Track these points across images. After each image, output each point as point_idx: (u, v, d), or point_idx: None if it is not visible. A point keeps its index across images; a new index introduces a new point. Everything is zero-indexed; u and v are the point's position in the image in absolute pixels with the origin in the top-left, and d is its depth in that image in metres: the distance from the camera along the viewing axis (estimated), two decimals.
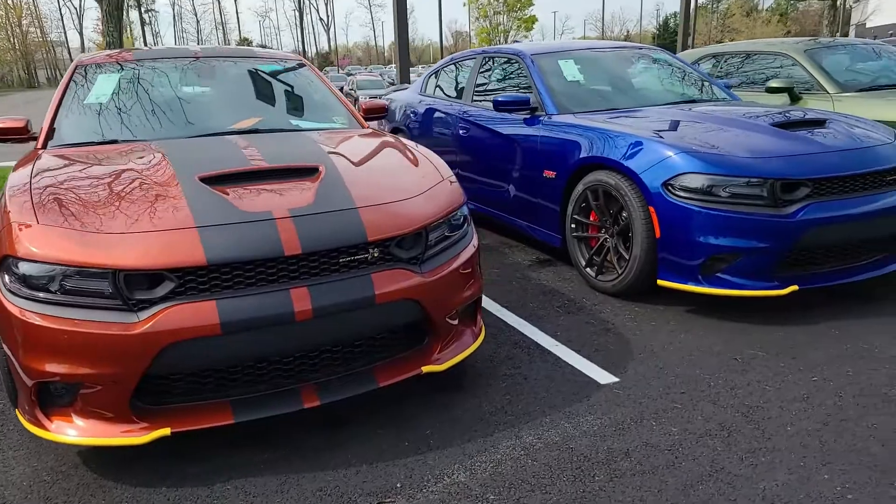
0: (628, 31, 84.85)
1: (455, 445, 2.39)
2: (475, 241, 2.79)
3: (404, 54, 9.15)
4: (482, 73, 5.31)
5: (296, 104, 3.77)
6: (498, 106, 4.42)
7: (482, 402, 2.68)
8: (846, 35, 41.30)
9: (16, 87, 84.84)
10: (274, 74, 3.87)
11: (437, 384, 2.81)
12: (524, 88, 4.71)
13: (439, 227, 2.59)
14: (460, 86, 5.58)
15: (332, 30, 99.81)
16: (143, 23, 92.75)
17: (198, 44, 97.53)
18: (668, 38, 52.00)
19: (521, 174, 4.52)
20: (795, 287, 3.32)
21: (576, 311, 3.61)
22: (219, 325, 2.04)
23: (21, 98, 40.60)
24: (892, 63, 5.92)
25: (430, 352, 2.58)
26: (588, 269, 3.95)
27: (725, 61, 6.55)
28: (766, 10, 67.79)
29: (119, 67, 3.55)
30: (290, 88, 3.86)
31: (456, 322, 2.68)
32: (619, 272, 3.70)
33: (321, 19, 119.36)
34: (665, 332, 3.31)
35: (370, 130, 3.58)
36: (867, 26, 39.37)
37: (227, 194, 2.30)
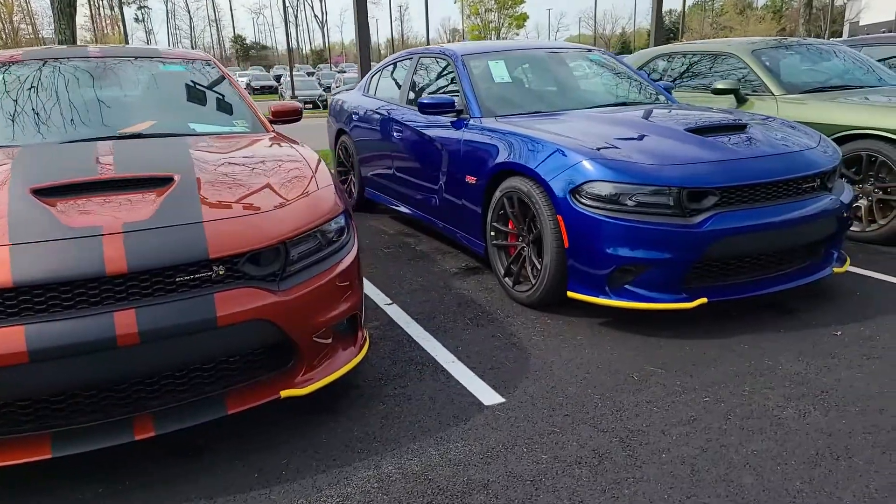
0: (623, 29, 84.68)
1: (307, 477, 2.24)
2: (354, 253, 2.64)
3: (364, 53, 8.99)
4: (417, 73, 5.15)
5: (196, 106, 3.62)
6: (423, 108, 4.27)
7: (354, 427, 2.54)
8: (837, 34, 41.21)
9: None
10: (176, 75, 3.71)
11: (315, 406, 2.67)
12: (454, 90, 4.56)
13: (305, 240, 2.44)
14: (397, 87, 5.43)
15: (325, 27, 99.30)
16: (135, 20, 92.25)
17: (191, 42, 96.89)
18: (663, 35, 52.05)
19: (447, 179, 4.37)
20: (704, 300, 3.18)
21: (486, 324, 3.47)
22: (26, 353, 1.89)
23: None
24: (845, 64, 5.79)
25: (294, 374, 2.44)
26: (506, 279, 3.81)
27: (677, 61, 6.40)
28: (761, 7, 67.60)
29: (5, 67, 3.40)
30: (191, 90, 3.71)
31: (328, 340, 2.54)
32: (533, 283, 3.56)
33: (315, 16, 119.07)
34: (570, 347, 3.17)
35: (269, 135, 3.43)
36: (860, 24, 39.25)
37: (55, 207, 2.15)
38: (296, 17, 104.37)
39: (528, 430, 2.47)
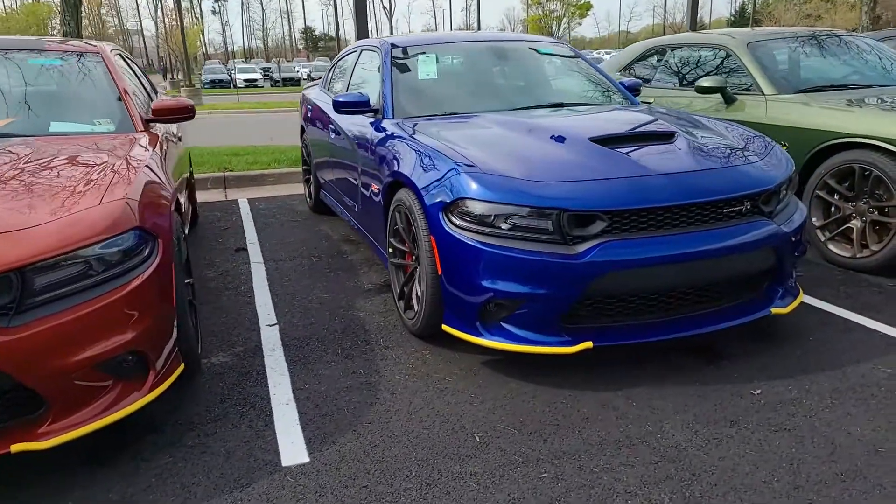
0: (701, 17, 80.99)
1: None
2: (146, 277, 2.27)
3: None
4: (358, 67, 4.74)
5: (62, 103, 3.35)
6: (337, 107, 3.87)
7: (116, 485, 2.18)
8: None
9: None
10: (48, 70, 3.44)
11: (96, 455, 2.33)
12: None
13: (60, 266, 2.09)
14: (343, 82, 5.04)
15: (393, 18, 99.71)
16: (212, 12, 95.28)
17: (263, 33, 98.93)
18: (744, 25, 49.15)
19: (361, 186, 3.97)
20: (589, 344, 2.66)
21: (356, 356, 3.05)
22: None
23: None
24: (861, 60, 5.01)
25: (40, 424, 2.09)
26: (400, 302, 3.38)
27: (669, 55, 5.74)
28: None
29: None
30: (64, 85, 3.43)
31: (102, 383, 2.19)
32: (416, 310, 3.12)
33: (384, 7, 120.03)
34: (430, 392, 2.71)
35: (123, 137, 3.11)
36: None
37: None
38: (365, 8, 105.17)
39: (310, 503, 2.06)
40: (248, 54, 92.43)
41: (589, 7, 47.47)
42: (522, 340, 2.70)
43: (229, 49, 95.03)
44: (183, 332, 2.57)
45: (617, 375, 2.79)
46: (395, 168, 3.24)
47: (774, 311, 2.93)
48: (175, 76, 42.11)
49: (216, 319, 3.53)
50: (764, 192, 2.81)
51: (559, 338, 2.68)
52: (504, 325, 2.73)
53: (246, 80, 39.59)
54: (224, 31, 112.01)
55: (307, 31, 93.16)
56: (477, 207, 2.68)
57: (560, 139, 3.00)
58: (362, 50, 4.76)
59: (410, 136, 3.30)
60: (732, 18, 64.03)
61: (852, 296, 3.62)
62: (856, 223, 4.04)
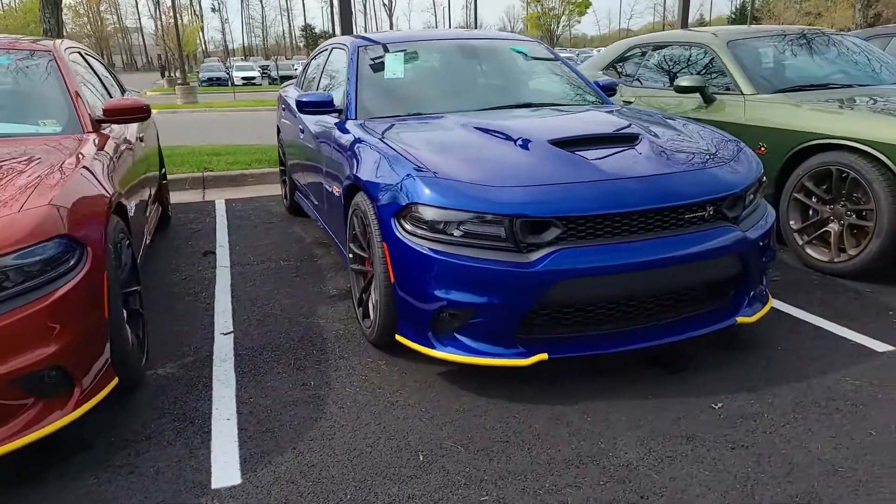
0: (702, 16, 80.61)
1: None
2: (69, 289, 2.16)
3: None
4: (328, 66, 4.63)
5: (6, 103, 3.23)
6: (301, 107, 3.75)
7: None
8: None
9: None
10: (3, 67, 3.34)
11: (18, 474, 2.22)
12: None
13: None
14: (314, 81, 4.92)
15: (393, 15, 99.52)
16: (212, 9, 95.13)
17: (262, 31, 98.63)
18: (744, 22, 48.82)
19: (325, 188, 3.86)
20: (544, 356, 2.55)
21: (309, 367, 2.94)
22: None
23: None
24: (845, 59, 4.89)
25: None
26: (359, 310, 3.27)
27: (651, 54, 5.62)
28: None
29: None
30: (10, 84, 3.32)
31: (9, 401, 2.08)
32: (372, 318, 3.01)
33: (384, 4, 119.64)
34: (380, 406, 2.61)
35: (66, 139, 3.00)
36: None
37: None
38: (364, 5, 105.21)
39: None
40: (247, 52, 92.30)
41: (588, 5, 47.21)
42: (475, 352, 2.59)
43: (229, 47, 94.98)
44: (118, 345, 2.46)
45: (576, 387, 2.69)
46: (353, 171, 3.13)
47: (740, 320, 2.82)
48: (172, 74, 41.97)
49: (170, 327, 3.42)
50: (728, 196, 2.70)
51: (513, 349, 2.57)
52: (457, 335, 2.63)
53: (244, 78, 39.42)
54: (224, 29, 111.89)
55: (307, 28, 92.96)
56: (428, 213, 2.57)
57: (519, 142, 2.89)
58: (333, 48, 4.65)
59: (369, 137, 3.19)
60: (733, 16, 63.71)
61: (827, 302, 3.51)
62: (833, 227, 3.93)
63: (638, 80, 5.59)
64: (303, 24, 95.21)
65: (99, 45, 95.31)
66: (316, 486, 2.13)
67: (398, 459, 2.26)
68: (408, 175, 2.68)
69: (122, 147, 3.51)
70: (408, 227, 2.63)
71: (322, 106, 3.72)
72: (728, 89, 4.67)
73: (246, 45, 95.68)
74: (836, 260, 3.89)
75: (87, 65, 4.16)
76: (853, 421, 2.40)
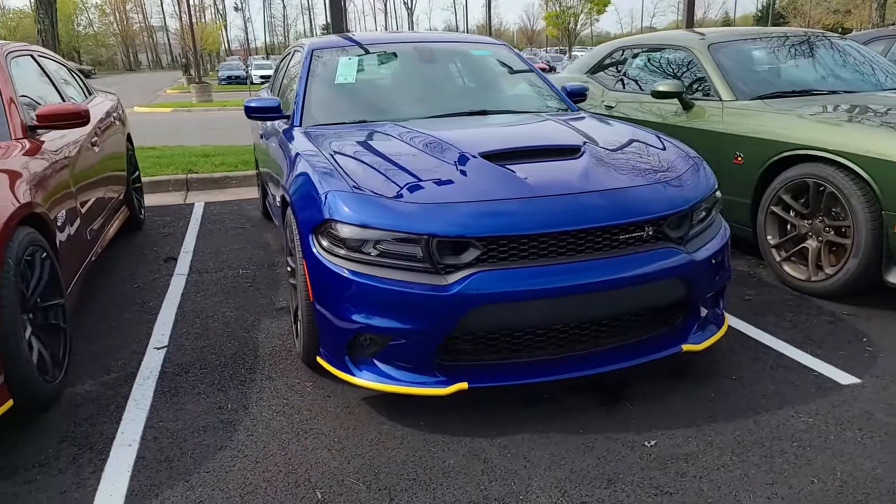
0: (725, 13, 79.01)
1: None
2: None
3: None
4: (289, 69, 4.49)
5: None
6: (248, 112, 3.63)
7: None
8: None
9: (121, 69, 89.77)
10: None
11: None
12: None
13: None
14: (278, 83, 4.79)
15: (412, 14, 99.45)
16: (235, 8, 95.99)
17: (284, 30, 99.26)
18: (770, 22, 47.66)
19: (274, 195, 3.73)
20: (464, 385, 2.38)
21: (231, 388, 2.80)
22: None
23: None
24: (837, 63, 4.63)
25: None
26: (294, 326, 3.11)
27: (635, 57, 5.40)
28: None
29: None
30: None
31: None
32: (300, 337, 2.86)
33: (404, 3, 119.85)
34: (292, 434, 2.45)
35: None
36: None
37: None
38: (385, 4, 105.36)
39: None
40: (269, 51, 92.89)
41: (606, 3, 46.55)
42: (392, 380, 2.43)
43: (252, 45, 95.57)
44: (14, 365, 2.34)
45: (503, 417, 2.51)
46: (285, 181, 2.99)
47: (687, 347, 2.62)
48: (192, 72, 42.26)
49: (106, 340, 3.30)
50: (670, 216, 2.50)
51: (432, 378, 2.41)
52: (376, 361, 2.47)
53: (262, 77, 39.64)
54: (246, 28, 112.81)
55: (328, 27, 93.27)
56: (344, 231, 2.41)
57: (452, 154, 2.71)
58: (294, 51, 4.51)
59: (305, 147, 3.04)
60: (759, 14, 62.49)
61: (797, 325, 3.29)
62: (812, 243, 3.70)
63: (620, 83, 5.38)
64: (324, 22, 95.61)
65: (125, 43, 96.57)
66: None
67: (292, 497, 2.10)
68: (329, 190, 2.52)
69: (61, 154, 3.39)
70: (325, 243, 2.48)
71: (268, 112, 3.59)
72: (708, 95, 4.45)
73: (268, 43, 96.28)
74: (813, 279, 3.66)
75: (38, 68, 4.07)
76: (796, 466, 2.20)
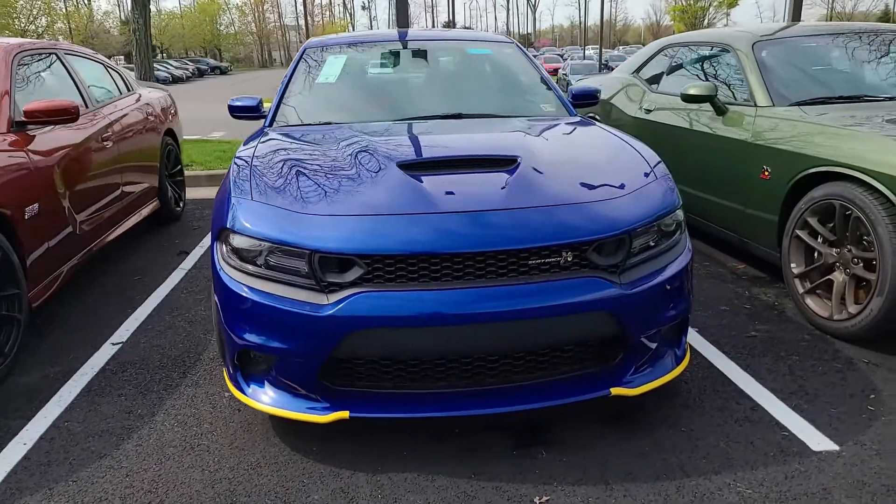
0: (886, 6, 71.44)
1: None
2: None
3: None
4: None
5: None
6: (231, 111, 3.61)
7: None
8: None
9: (256, 66, 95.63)
10: None
11: None
12: None
13: None
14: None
15: (535, 10, 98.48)
16: (362, 7, 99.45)
17: (406, 27, 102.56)
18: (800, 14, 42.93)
19: None
20: (345, 414, 2.19)
21: (153, 392, 2.77)
22: None
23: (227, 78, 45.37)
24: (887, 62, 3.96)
25: None
26: None
27: (679, 56, 4.90)
28: None
29: None
30: None
31: None
32: None
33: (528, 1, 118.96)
34: (178, 449, 2.37)
35: None
36: None
37: None
38: (507, 1, 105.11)
39: None
40: None
41: None
42: (275, 402, 2.27)
43: None
44: None
45: (400, 451, 2.29)
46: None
47: (616, 391, 2.27)
48: None
49: (73, 333, 3.39)
50: (592, 241, 2.17)
51: (313, 403, 2.23)
52: (266, 380, 2.33)
53: None
54: (371, 26, 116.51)
55: (449, 24, 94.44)
56: (235, 240, 2.29)
57: (372, 162, 2.51)
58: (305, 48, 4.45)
59: (245, 152, 2.91)
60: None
61: (796, 372, 2.80)
62: (838, 275, 3.16)
63: (660, 85, 4.91)
64: (445, 20, 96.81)
65: (260, 41, 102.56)
66: None
67: None
68: (233, 197, 2.41)
69: (47, 150, 3.50)
70: (223, 251, 2.37)
71: (247, 111, 3.55)
72: (746, 100, 3.94)
73: None
74: (835, 317, 3.12)
75: (61, 67, 4.24)
76: None
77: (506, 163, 2.47)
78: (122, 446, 2.39)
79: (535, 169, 2.43)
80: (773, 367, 2.84)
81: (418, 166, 2.44)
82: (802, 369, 2.83)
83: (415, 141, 2.87)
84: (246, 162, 2.69)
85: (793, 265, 3.38)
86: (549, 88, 3.66)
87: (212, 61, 63.20)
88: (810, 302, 3.28)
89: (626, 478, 2.13)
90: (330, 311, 2.08)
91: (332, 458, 2.28)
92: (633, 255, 2.26)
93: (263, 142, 2.98)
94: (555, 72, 29.04)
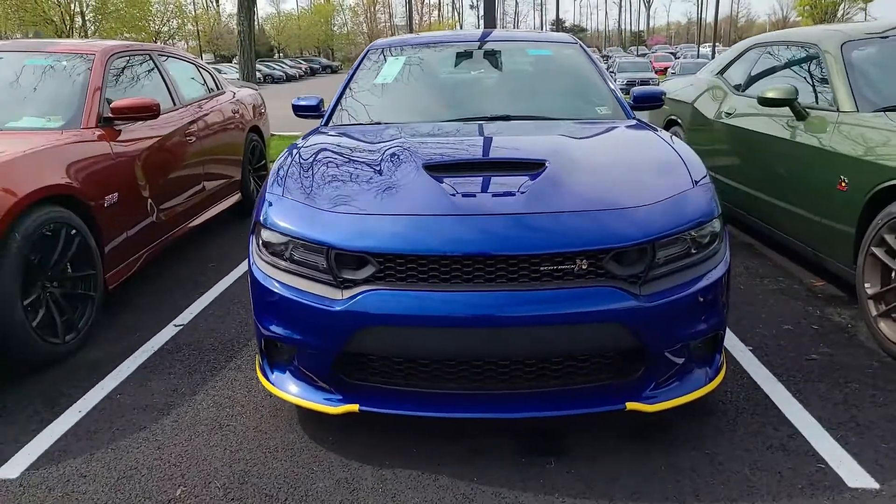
0: None
1: None
2: None
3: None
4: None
5: (37, 100, 3.71)
6: (295, 111, 3.78)
7: None
8: None
9: None
10: (43, 69, 3.83)
11: None
12: None
13: None
14: None
15: (650, 8, 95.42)
16: (470, 6, 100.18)
17: (514, 25, 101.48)
18: None
19: None
20: (355, 407, 2.24)
21: (198, 373, 2.94)
22: None
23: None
24: None
25: None
26: None
27: (766, 56, 4.61)
28: None
29: None
30: (41, 84, 3.79)
31: None
32: None
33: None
34: (205, 427, 2.51)
35: (54, 134, 3.34)
36: None
37: None
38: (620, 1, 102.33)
39: None
40: None
41: None
42: (295, 391, 2.36)
43: None
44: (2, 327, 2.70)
45: (411, 449, 2.32)
46: None
47: (632, 406, 2.19)
48: None
49: (142, 313, 3.65)
50: (609, 250, 2.10)
51: (328, 394, 2.30)
52: (288, 369, 2.42)
53: None
54: (478, 24, 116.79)
55: (557, 22, 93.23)
56: (265, 234, 2.40)
57: (402, 164, 2.55)
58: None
59: (289, 151, 3.03)
60: None
61: (850, 402, 2.58)
62: None
63: (742, 87, 4.64)
64: (553, 18, 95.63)
65: (370, 41, 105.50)
66: (51, 496, 2.12)
67: (156, 490, 2.15)
68: (267, 193, 2.52)
69: (131, 143, 3.80)
70: (257, 245, 2.49)
71: (309, 110, 3.68)
72: (830, 104, 3.66)
73: None
74: None
75: (154, 68, 4.58)
76: None
77: (532, 166, 2.43)
78: (160, 420, 2.56)
79: (561, 174, 2.38)
80: (826, 395, 2.64)
81: (444, 168, 2.46)
82: (859, 399, 2.60)
83: (449, 142, 2.88)
84: (286, 160, 2.80)
85: (867, 285, 3.12)
86: (609, 90, 3.56)
87: (324, 60, 65.97)
88: (884, 326, 3.01)
89: (631, 497, 2.05)
90: (342, 307, 2.14)
91: (344, 449, 2.34)
92: (657, 265, 2.17)
93: (309, 140, 3.09)
94: (664, 71, 28.01)
